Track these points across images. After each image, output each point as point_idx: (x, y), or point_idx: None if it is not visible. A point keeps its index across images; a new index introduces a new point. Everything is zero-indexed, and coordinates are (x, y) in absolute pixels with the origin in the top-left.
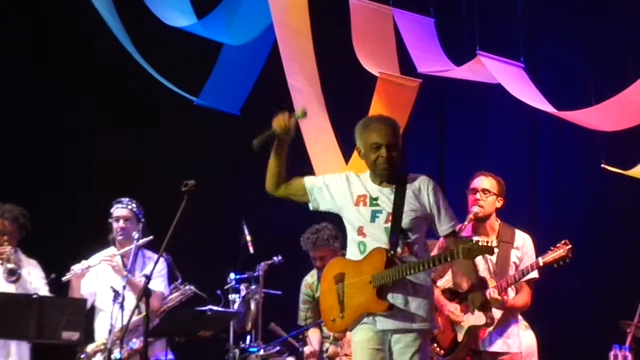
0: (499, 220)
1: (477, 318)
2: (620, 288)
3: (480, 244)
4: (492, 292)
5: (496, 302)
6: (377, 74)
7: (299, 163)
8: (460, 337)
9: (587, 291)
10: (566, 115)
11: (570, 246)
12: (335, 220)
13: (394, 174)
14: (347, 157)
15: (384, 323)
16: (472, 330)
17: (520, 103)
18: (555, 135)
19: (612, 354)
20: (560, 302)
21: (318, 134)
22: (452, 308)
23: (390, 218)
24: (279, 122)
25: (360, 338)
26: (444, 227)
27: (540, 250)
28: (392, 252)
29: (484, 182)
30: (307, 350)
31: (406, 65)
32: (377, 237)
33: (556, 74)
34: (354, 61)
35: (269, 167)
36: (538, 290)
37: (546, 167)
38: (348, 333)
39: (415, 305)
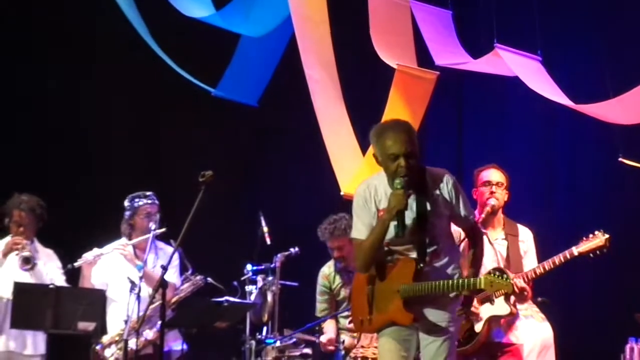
0: (502, 215)
1: (499, 308)
2: (636, 281)
3: (500, 281)
4: (518, 282)
5: (522, 292)
6: (394, 66)
7: (317, 155)
8: (478, 328)
9: (603, 284)
10: (584, 108)
11: (608, 236)
12: (351, 211)
13: (412, 180)
14: (364, 149)
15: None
16: (493, 320)
17: (537, 96)
18: (573, 128)
19: (628, 347)
20: (576, 295)
21: (335, 125)
22: None
23: (415, 228)
24: (401, 201)
25: (387, 339)
26: (464, 220)
27: (552, 245)
28: (420, 265)
29: (498, 175)
30: (323, 338)
31: (424, 58)
32: (402, 249)
33: (574, 67)
34: (371, 53)
35: (371, 250)
36: (555, 283)
37: (563, 161)
38: None
39: (440, 317)
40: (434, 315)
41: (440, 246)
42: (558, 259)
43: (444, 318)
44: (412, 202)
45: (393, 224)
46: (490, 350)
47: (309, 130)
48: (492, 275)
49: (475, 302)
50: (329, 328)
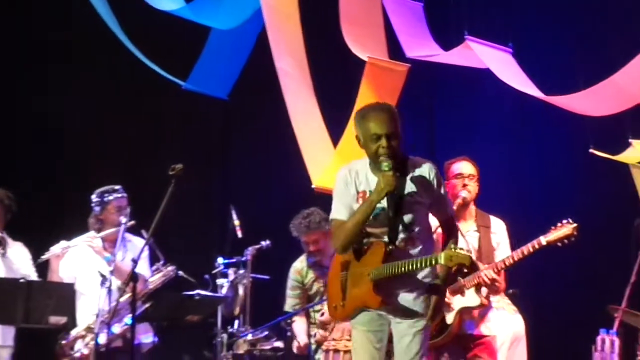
0: (474, 207)
1: (469, 299)
2: (608, 273)
3: (459, 252)
4: (488, 273)
5: (494, 284)
6: (365, 59)
7: (288, 148)
8: (450, 319)
9: (575, 276)
10: (554, 100)
11: (575, 225)
12: (322, 204)
13: (395, 162)
14: (335, 141)
15: (382, 315)
16: (464, 312)
17: (508, 88)
18: (544, 120)
19: (599, 338)
20: (548, 287)
21: (306, 117)
22: None
23: (392, 212)
24: (391, 182)
25: (361, 319)
26: (442, 212)
27: (524, 236)
28: (390, 247)
29: (469, 167)
30: (296, 344)
31: (395, 50)
32: (379, 232)
33: (544, 59)
34: (342, 45)
35: (354, 228)
36: (526, 275)
37: (534, 152)
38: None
39: (411, 300)
40: (405, 298)
41: (415, 232)
42: (527, 248)
43: (416, 302)
44: None
45: (379, 205)
46: (462, 342)
47: (280, 123)
48: (451, 249)
49: (447, 293)
50: (299, 330)
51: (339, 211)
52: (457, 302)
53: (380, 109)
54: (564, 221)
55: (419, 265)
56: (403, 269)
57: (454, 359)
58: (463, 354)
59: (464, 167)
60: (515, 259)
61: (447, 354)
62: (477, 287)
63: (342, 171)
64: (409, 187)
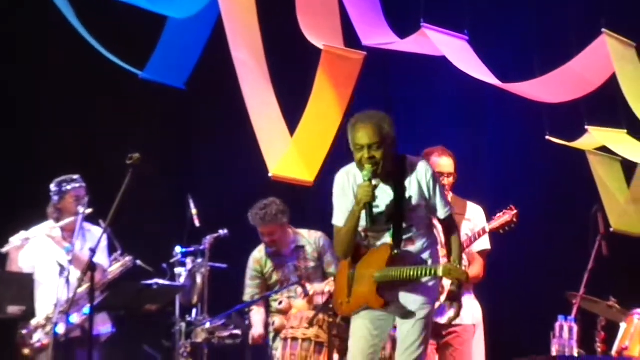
0: (451, 193)
1: None
2: (566, 260)
3: (457, 268)
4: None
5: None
6: (321, 47)
7: (245, 137)
8: None
9: (533, 262)
10: (511, 87)
11: (515, 211)
12: (282, 194)
13: (387, 168)
14: (292, 130)
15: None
16: None
17: (465, 75)
18: (500, 107)
19: (557, 324)
20: (505, 273)
21: (263, 107)
22: None
23: (391, 214)
24: (367, 193)
25: (359, 319)
26: (440, 213)
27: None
28: (395, 252)
29: (450, 164)
30: (255, 333)
31: (350, 38)
32: (379, 235)
33: (500, 47)
34: (298, 34)
35: (346, 237)
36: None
37: (491, 140)
38: (293, 309)
39: (412, 301)
40: (406, 299)
41: (415, 233)
42: (473, 235)
43: (417, 302)
44: (389, 189)
45: (364, 214)
46: (434, 330)
47: (237, 112)
48: (451, 264)
49: None
50: (256, 319)
51: (337, 217)
52: None
53: (367, 120)
54: (506, 209)
55: (418, 273)
56: (404, 275)
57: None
58: (442, 342)
59: (444, 165)
60: (465, 246)
61: (435, 342)
62: None
63: (339, 175)
64: (406, 188)
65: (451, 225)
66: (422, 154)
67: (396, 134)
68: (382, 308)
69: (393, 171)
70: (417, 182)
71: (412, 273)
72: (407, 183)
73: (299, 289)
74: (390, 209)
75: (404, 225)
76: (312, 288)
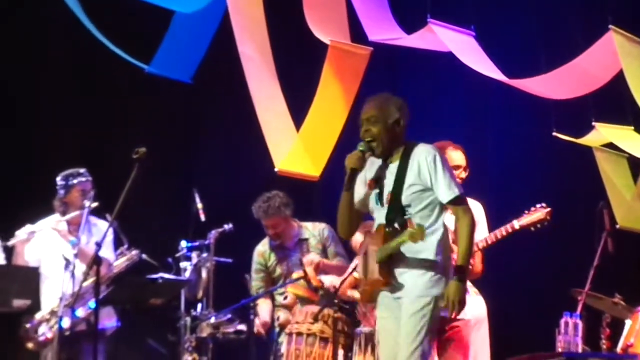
0: None
1: None
2: (572, 256)
3: (420, 230)
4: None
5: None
6: (327, 42)
7: (251, 132)
8: None
9: (538, 259)
10: (517, 83)
11: (549, 209)
12: (286, 187)
13: (389, 149)
14: (297, 125)
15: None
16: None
17: (471, 71)
18: (507, 103)
19: (562, 321)
20: (511, 269)
21: (269, 102)
22: None
23: (390, 196)
24: (353, 160)
25: (381, 306)
26: (442, 197)
27: (492, 219)
28: (387, 229)
29: (462, 158)
30: (257, 321)
31: (357, 33)
32: (381, 216)
33: (507, 42)
34: (305, 29)
35: (343, 211)
36: (489, 257)
37: (498, 136)
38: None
39: (413, 279)
40: (405, 277)
41: (412, 214)
42: (500, 232)
43: (418, 281)
44: (393, 170)
45: (374, 192)
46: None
47: (243, 107)
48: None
49: None
50: (263, 309)
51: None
52: None
53: (373, 97)
54: (538, 205)
55: (394, 245)
56: (388, 250)
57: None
58: (442, 337)
59: (459, 158)
60: (489, 242)
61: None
62: None
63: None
64: (406, 171)
65: (457, 211)
66: (449, 146)
67: (406, 120)
68: (386, 286)
69: (399, 155)
70: (418, 163)
71: (392, 245)
72: (409, 165)
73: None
74: (389, 189)
75: (401, 205)
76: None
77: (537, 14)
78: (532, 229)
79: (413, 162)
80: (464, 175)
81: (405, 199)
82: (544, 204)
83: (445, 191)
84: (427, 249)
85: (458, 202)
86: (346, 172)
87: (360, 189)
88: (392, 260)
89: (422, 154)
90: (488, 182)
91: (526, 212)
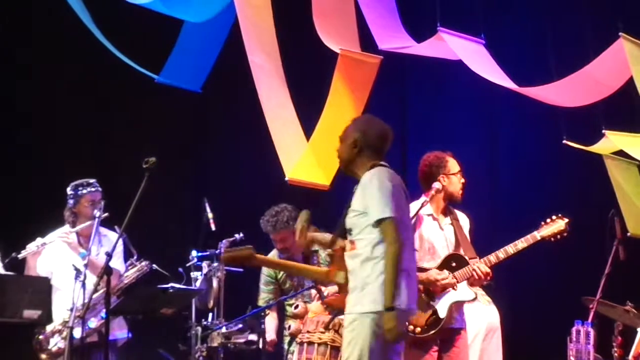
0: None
1: (463, 293)
2: (583, 264)
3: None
4: (482, 267)
5: (486, 278)
6: (337, 51)
7: (261, 141)
8: (443, 314)
9: (550, 267)
10: (527, 91)
11: (567, 220)
12: (294, 201)
13: (348, 168)
14: (308, 134)
15: None
16: (453, 306)
17: (481, 79)
18: (517, 111)
19: (574, 329)
20: (523, 278)
21: (279, 111)
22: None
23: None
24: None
25: None
26: (371, 215)
27: (498, 228)
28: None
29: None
30: (267, 338)
31: (367, 42)
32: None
33: (517, 50)
34: (314, 37)
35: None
36: (500, 267)
37: (508, 144)
38: (310, 313)
39: (349, 293)
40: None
41: (354, 237)
42: (521, 243)
43: (351, 293)
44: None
45: None
46: (444, 334)
47: (253, 116)
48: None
49: (447, 273)
50: (269, 326)
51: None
52: (450, 296)
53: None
54: (554, 216)
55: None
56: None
57: (444, 352)
58: (450, 346)
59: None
60: (510, 252)
61: (436, 347)
62: (468, 281)
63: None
64: (353, 195)
65: (385, 235)
66: (440, 157)
67: (370, 142)
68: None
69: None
70: (360, 188)
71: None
72: (355, 190)
73: (313, 292)
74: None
75: (344, 228)
76: (326, 290)
77: (547, 22)
78: (552, 239)
79: (358, 186)
80: (463, 180)
81: (348, 222)
82: (560, 214)
83: (374, 211)
84: (356, 266)
85: (385, 224)
86: None
87: None
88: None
89: (365, 179)
90: (498, 191)
91: (543, 222)
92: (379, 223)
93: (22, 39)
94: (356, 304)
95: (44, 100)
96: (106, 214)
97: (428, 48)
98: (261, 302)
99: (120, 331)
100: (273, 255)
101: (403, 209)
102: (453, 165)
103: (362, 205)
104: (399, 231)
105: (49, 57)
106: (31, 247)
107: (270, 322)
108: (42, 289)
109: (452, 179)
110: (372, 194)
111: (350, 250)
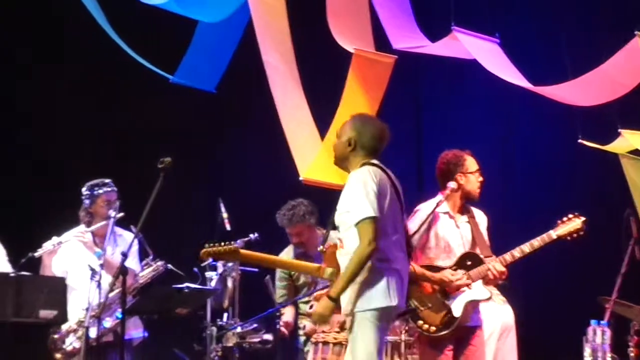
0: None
1: (478, 292)
2: (599, 263)
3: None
4: (498, 266)
5: (501, 277)
6: (352, 50)
7: (276, 141)
8: (458, 313)
9: (565, 267)
10: (542, 90)
11: (584, 218)
12: (310, 195)
13: (341, 165)
14: (322, 134)
15: None
16: (470, 304)
17: (496, 79)
18: (532, 111)
19: (590, 329)
20: (538, 277)
21: (293, 111)
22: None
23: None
24: None
25: None
26: (352, 216)
27: (513, 227)
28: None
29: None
30: (281, 322)
31: (381, 41)
32: None
33: (532, 49)
34: (329, 37)
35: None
36: (515, 266)
37: (523, 143)
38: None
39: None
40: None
41: (342, 235)
42: (537, 242)
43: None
44: None
45: None
46: (459, 332)
47: (268, 116)
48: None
49: (461, 274)
50: (287, 313)
51: None
52: (464, 295)
53: None
54: (570, 215)
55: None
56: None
57: (460, 350)
58: (466, 345)
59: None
60: (526, 251)
61: (451, 345)
62: (484, 280)
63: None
64: (341, 194)
65: (361, 234)
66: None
67: (363, 141)
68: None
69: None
70: (346, 186)
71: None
72: (343, 189)
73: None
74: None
75: (334, 226)
76: None
77: (562, 21)
78: (569, 238)
79: (345, 186)
80: (481, 179)
81: (336, 220)
82: (577, 213)
83: (354, 212)
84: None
85: (361, 225)
86: None
87: None
88: None
89: (350, 178)
90: (513, 190)
91: (559, 221)
92: (357, 223)
93: (22, 39)
94: (349, 303)
95: (44, 100)
96: (122, 214)
97: (442, 47)
98: (278, 299)
99: (135, 330)
100: (288, 251)
101: (390, 208)
102: (471, 163)
103: (346, 204)
104: (376, 232)
105: (49, 57)
106: (47, 246)
107: (288, 310)
108: (57, 289)
109: (470, 177)
110: (353, 194)
111: (340, 247)
